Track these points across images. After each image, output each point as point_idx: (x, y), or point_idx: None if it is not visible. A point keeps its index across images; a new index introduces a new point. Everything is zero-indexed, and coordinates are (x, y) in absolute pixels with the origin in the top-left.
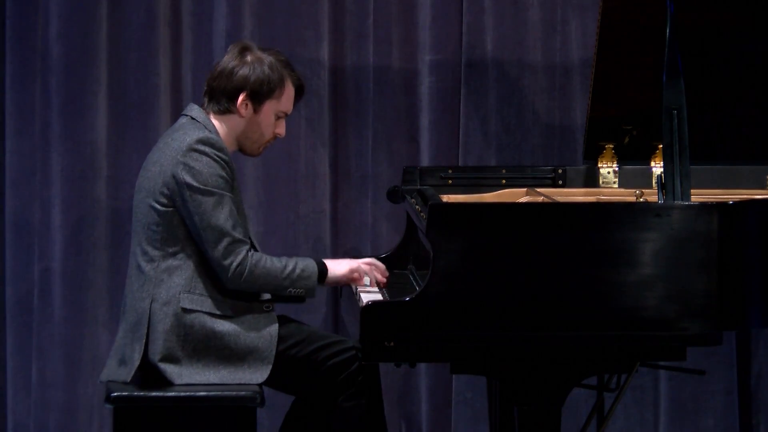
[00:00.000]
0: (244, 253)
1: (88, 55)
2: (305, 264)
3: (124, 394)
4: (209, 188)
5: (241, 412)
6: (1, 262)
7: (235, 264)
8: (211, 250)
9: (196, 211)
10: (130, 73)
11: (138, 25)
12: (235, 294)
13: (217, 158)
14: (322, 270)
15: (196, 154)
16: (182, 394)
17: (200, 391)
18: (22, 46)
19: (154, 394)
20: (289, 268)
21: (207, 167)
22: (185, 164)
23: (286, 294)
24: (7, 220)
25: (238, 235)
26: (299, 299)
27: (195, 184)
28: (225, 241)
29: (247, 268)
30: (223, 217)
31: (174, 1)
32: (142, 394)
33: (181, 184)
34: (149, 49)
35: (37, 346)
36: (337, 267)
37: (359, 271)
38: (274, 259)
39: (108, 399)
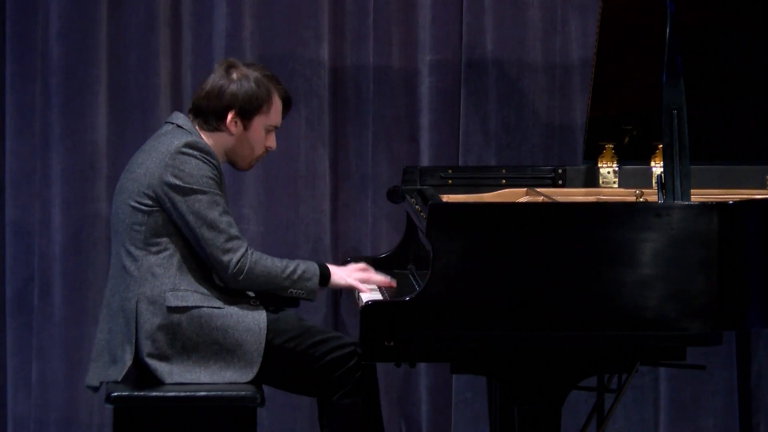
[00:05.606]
0: (243, 250)
1: (88, 55)
2: (307, 266)
3: (124, 394)
4: (202, 188)
5: (241, 412)
6: (1, 262)
7: (234, 261)
8: (209, 248)
9: (191, 211)
10: (130, 73)
11: (138, 25)
12: (221, 289)
13: (205, 160)
14: (325, 274)
15: (184, 157)
16: (182, 394)
17: (200, 391)
18: (22, 46)
19: (154, 394)
20: (290, 268)
21: (196, 169)
22: (174, 167)
23: (287, 294)
24: (7, 220)
25: (235, 232)
26: (299, 300)
27: (185, 185)
28: (222, 238)
29: (247, 265)
30: (218, 214)
31: (174, 1)
32: (142, 394)
33: (170, 187)
34: (149, 49)
35: (37, 346)
36: (341, 276)
37: (368, 282)
38: (275, 259)
39: (108, 399)
